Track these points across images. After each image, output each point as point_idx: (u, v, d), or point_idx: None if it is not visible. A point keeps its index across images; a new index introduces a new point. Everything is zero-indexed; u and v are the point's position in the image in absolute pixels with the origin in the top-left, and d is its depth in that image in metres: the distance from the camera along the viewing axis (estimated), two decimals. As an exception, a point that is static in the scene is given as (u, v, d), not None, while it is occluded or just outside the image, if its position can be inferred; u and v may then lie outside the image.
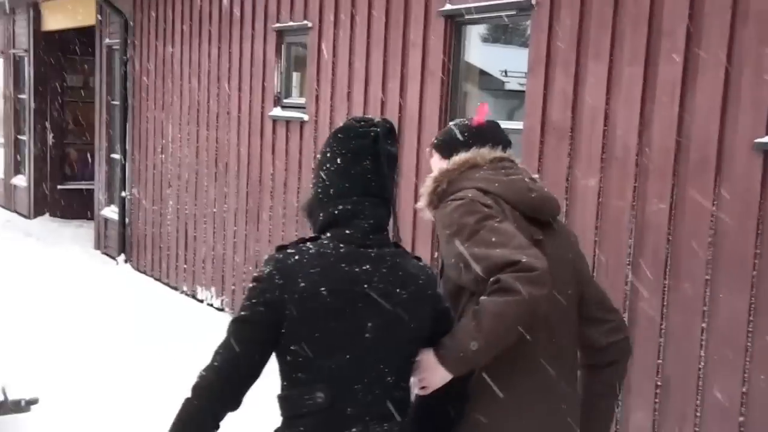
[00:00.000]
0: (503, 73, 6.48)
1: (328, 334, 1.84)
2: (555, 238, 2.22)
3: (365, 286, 1.86)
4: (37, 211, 11.90)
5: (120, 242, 9.04)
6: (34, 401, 4.05)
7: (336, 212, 1.91)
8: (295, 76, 6.56)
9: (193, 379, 1.88)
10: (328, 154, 1.94)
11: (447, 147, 2.33)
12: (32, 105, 11.78)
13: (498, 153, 2.28)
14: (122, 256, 9.01)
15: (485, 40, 5.96)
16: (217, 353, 1.88)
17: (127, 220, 8.96)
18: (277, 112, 6.46)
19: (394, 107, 5.17)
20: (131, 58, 8.66)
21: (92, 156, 10.59)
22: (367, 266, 1.88)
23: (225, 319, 6.97)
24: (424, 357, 1.97)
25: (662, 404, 3.70)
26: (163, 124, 8.15)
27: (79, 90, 12.07)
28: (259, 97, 6.65)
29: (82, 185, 11.88)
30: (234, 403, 1.89)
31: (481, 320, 1.90)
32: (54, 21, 11.24)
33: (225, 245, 7.18)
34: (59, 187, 12.08)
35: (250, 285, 1.91)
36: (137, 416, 4.56)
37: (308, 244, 1.91)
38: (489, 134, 2.33)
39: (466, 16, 4.75)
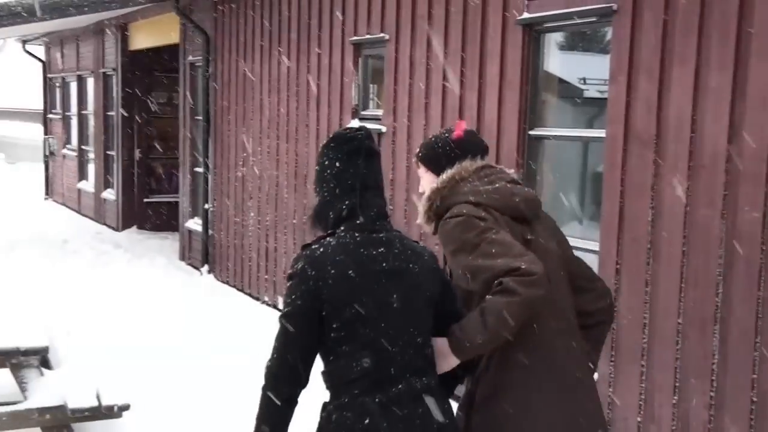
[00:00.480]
0: (581, 81, 6.38)
1: (363, 309, 2.17)
2: (541, 231, 2.55)
3: (384, 264, 2.22)
4: (125, 223, 12.33)
5: (203, 253, 9.27)
6: (125, 407, 4.17)
7: (344, 207, 2.26)
8: (373, 88, 6.62)
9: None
10: (326, 162, 2.31)
11: (433, 162, 2.65)
12: (120, 121, 12.23)
13: (479, 163, 2.60)
14: (206, 267, 9.23)
15: (562, 47, 5.89)
16: (275, 347, 2.20)
17: (210, 231, 9.19)
18: (355, 124, 6.53)
19: (472, 118, 5.15)
20: (213, 74, 8.90)
21: (176, 170, 10.92)
22: (382, 249, 2.24)
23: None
24: (438, 345, 2.31)
25: (758, 421, 3.56)
26: (244, 138, 8.34)
27: (164, 106, 12.47)
28: (337, 110, 6.73)
29: (167, 198, 12.27)
30: (303, 382, 2.20)
31: (487, 318, 2.22)
32: (140, 40, 11.66)
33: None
34: (145, 200, 12.50)
35: (287, 283, 2.21)
36: (222, 423, 4.66)
37: (328, 239, 2.25)
38: (469, 146, 2.64)
39: (545, 25, 4.70)
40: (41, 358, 4.37)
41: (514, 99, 4.86)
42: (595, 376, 2.76)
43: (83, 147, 14.39)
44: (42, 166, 16.65)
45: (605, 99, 4.35)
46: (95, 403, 4.11)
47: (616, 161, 4.19)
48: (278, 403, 2.17)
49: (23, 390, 4.20)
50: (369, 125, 6.34)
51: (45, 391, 4.14)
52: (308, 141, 7.18)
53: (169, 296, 8.05)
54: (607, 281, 4.15)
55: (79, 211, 14.31)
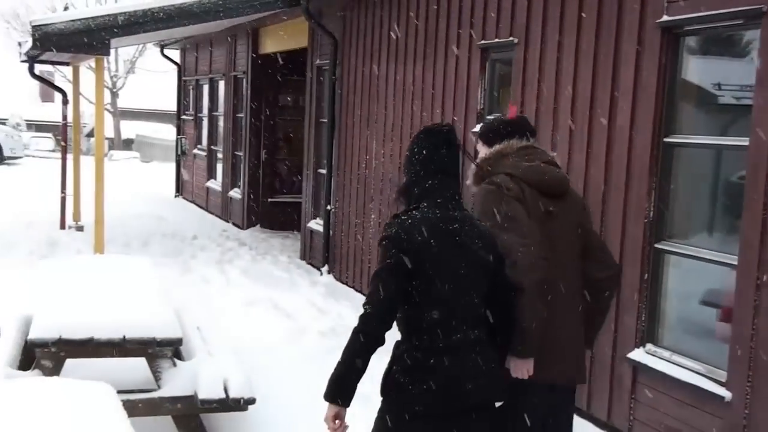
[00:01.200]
0: (716, 87, 6.09)
1: (437, 272, 2.71)
2: (564, 206, 3.17)
3: (456, 238, 2.76)
4: (249, 222, 12.74)
5: (324, 253, 9.44)
6: (251, 401, 4.29)
7: (427, 186, 2.79)
8: (499, 93, 6.54)
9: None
10: (416, 149, 2.84)
11: (486, 137, 3.30)
12: (248, 123, 12.66)
13: (523, 143, 3.23)
14: (326, 267, 9.40)
15: (697, 51, 5.64)
16: (369, 296, 2.69)
17: (331, 232, 9.34)
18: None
19: (602, 123, 4.99)
20: (339, 77, 9.05)
21: (300, 171, 11.18)
22: (456, 225, 2.78)
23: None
24: (512, 364, 2.98)
25: None
26: (367, 141, 8.43)
27: (290, 109, 12.81)
28: (462, 114, 6.70)
29: (290, 198, 12.58)
30: (389, 325, 2.69)
31: (524, 323, 2.92)
32: (270, 44, 12.02)
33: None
34: (269, 199, 12.87)
35: (383, 243, 2.73)
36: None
37: (414, 212, 2.77)
38: (517, 127, 3.28)
39: (685, 28, 4.50)
40: (174, 349, 4.56)
41: (648, 104, 4.68)
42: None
43: (213, 147, 14.98)
44: (173, 165, 17.45)
45: (743, 105, 4.11)
46: (223, 396, 4.25)
47: (760, 170, 3.95)
48: (369, 341, 2.64)
49: (157, 379, 4.39)
50: (494, 130, 6.28)
51: (177, 381, 4.32)
52: (431, 145, 7.18)
53: (290, 294, 8.24)
54: (745, 298, 3.93)
55: (206, 209, 14.90)
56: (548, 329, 3.00)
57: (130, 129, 37.20)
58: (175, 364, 4.47)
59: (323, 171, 9.63)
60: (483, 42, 6.38)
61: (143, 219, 12.94)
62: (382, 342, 2.65)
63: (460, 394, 2.72)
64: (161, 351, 4.35)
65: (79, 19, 7.76)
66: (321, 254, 9.55)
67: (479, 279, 2.79)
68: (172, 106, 18.18)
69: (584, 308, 3.23)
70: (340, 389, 2.66)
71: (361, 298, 8.38)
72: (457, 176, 2.83)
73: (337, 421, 2.68)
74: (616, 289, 3.40)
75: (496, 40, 6.21)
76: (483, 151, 3.27)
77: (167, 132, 36.03)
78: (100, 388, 2.96)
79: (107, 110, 30.71)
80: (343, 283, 9.00)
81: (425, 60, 7.28)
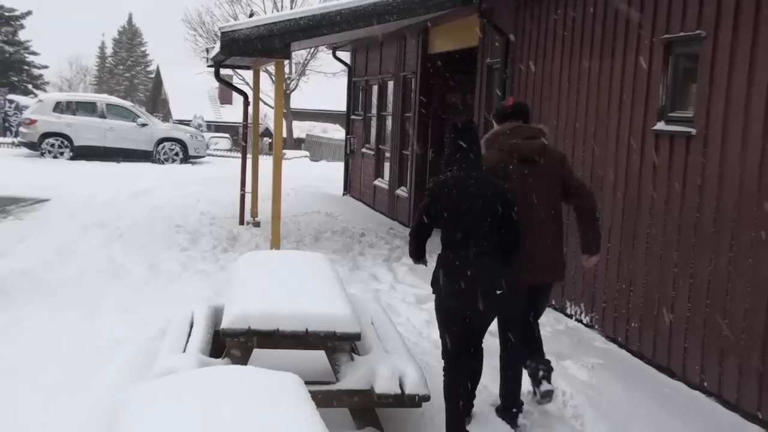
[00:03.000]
0: None
1: (458, 210, 4.32)
2: (543, 165, 4.82)
3: (472, 189, 4.33)
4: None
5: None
6: (426, 398, 4.34)
7: (454, 159, 4.40)
8: (682, 89, 6.21)
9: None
10: (448, 137, 4.45)
11: (497, 118, 5.11)
12: (416, 123, 12.80)
13: (514, 124, 4.93)
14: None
15: None
16: (413, 225, 4.50)
17: (499, 232, 9.25)
18: (661, 126, 6.18)
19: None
20: (510, 75, 8.95)
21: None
22: (472, 181, 4.35)
23: (592, 336, 6.84)
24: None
25: None
26: (539, 140, 8.27)
27: (457, 108, 12.82)
28: (641, 111, 6.43)
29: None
30: (423, 235, 4.47)
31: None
32: (439, 44, 12.09)
33: (598, 262, 7.04)
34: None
35: (426, 192, 4.46)
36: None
37: (447, 174, 4.41)
38: (515, 112, 5.04)
39: None
40: (351, 343, 4.69)
41: None
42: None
43: (380, 146, 15.29)
44: (341, 164, 17.98)
45: None
46: (399, 391, 4.33)
47: None
48: (415, 239, 4.53)
49: (336, 372, 4.54)
50: (677, 128, 5.98)
51: (354, 375, 4.44)
52: (607, 144, 6.95)
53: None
54: None
55: (373, 207, 15.23)
56: (525, 246, 4.47)
57: (300, 129, 38.76)
58: (352, 359, 4.60)
59: (491, 170, 9.55)
60: (667, 36, 6.08)
61: (314, 216, 13.44)
62: (422, 242, 4.52)
63: (474, 284, 4.28)
64: (340, 345, 4.49)
65: (263, 25, 8.17)
66: (488, 254, 9.48)
67: (490, 216, 4.32)
68: (339, 106, 18.82)
69: (559, 230, 4.94)
70: (417, 256, 4.62)
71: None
72: (473, 151, 4.40)
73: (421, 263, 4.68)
74: (591, 210, 5.01)
75: (681, 33, 5.90)
76: (495, 126, 5.05)
77: (335, 132, 37.26)
78: (290, 378, 3.10)
79: (280, 111, 32.06)
80: (510, 283, 8.90)
81: (602, 56, 7.04)
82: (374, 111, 15.72)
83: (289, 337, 4.37)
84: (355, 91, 17.31)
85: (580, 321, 7.30)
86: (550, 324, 7.20)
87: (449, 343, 4.47)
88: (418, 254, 4.59)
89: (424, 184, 12.76)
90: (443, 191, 4.31)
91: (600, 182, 7.02)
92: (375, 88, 15.64)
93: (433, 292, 4.49)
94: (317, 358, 4.88)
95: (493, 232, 4.32)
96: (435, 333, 6.68)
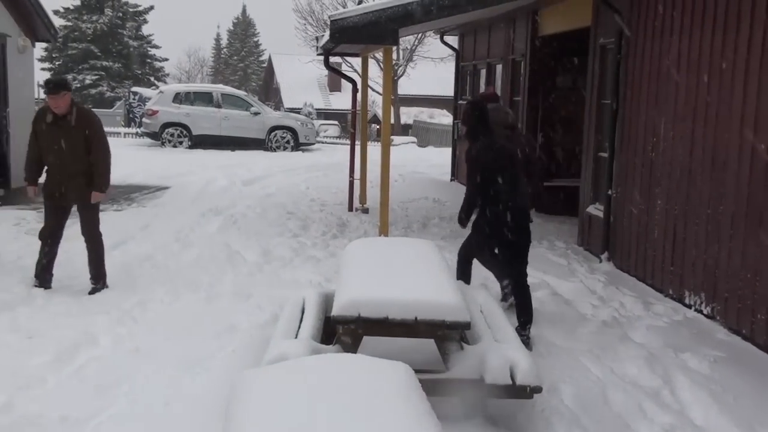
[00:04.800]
0: None
1: (499, 169, 6.04)
2: (514, 137, 7.13)
3: (503, 152, 6.16)
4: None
5: (604, 240, 9.10)
6: (537, 389, 4.26)
7: (478, 130, 6.16)
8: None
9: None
10: (470, 112, 6.21)
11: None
12: (525, 106, 12.55)
13: (492, 105, 6.83)
14: (605, 254, 9.06)
15: None
16: (469, 186, 6.21)
17: (611, 218, 8.98)
18: None
19: None
20: (625, 56, 8.62)
21: (576, 155, 10.86)
22: (502, 144, 6.27)
23: (713, 327, 6.52)
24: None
25: None
26: (655, 122, 7.95)
27: (568, 90, 12.48)
28: (769, 91, 6.05)
29: (566, 183, 12.29)
30: (478, 197, 6.12)
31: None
32: (549, 25, 11.80)
33: (719, 249, 6.72)
34: (546, 184, 12.65)
35: (470, 159, 6.15)
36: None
37: (478, 143, 6.11)
38: (490, 97, 7.54)
39: None
40: (461, 332, 4.65)
41: None
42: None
43: (489, 131, 15.07)
44: (449, 150, 17.87)
45: None
46: (509, 382, 4.26)
47: None
48: (468, 204, 6.14)
49: (445, 361, 4.51)
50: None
51: (464, 364, 4.41)
52: (730, 125, 6.58)
53: (568, 281, 8.07)
54: None
55: (482, 192, 15.06)
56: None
57: (407, 115, 38.82)
58: (462, 347, 4.56)
59: (604, 154, 9.27)
60: (798, 9, 5.69)
61: (421, 202, 13.43)
62: (476, 205, 6.13)
63: (511, 219, 6.00)
64: (449, 334, 4.46)
65: (371, 12, 8.18)
66: (600, 241, 9.22)
67: (517, 166, 6.19)
68: (446, 91, 18.67)
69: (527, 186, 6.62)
70: (464, 219, 6.22)
71: (644, 288, 7.99)
72: (488, 123, 6.15)
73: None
74: (537, 176, 7.63)
75: (815, 6, 5.51)
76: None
77: (442, 117, 37.13)
78: (400, 367, 3.10)
79: (387, 97, 32.24)
80: (624, 271, 8.62)
81: (725, 33, 6.66)
82: (482, 95, 15.52)
83: (399, 325, 4.37)
84: (462, 76, 17.15)
85: (700, 311, 6.98)
86: (668, 314, 6.93)
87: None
88: (469, 218, 6.16)
89: (533, 170, 12.53)
90: (482, 154, 5.99)
91: (722, 167, 6.67)
92: (483, 72, 15.44)
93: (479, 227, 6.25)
94: (424, 346, 4.87)
95: (522, 177, 6.37)
96: (547, 322, 6.58)
